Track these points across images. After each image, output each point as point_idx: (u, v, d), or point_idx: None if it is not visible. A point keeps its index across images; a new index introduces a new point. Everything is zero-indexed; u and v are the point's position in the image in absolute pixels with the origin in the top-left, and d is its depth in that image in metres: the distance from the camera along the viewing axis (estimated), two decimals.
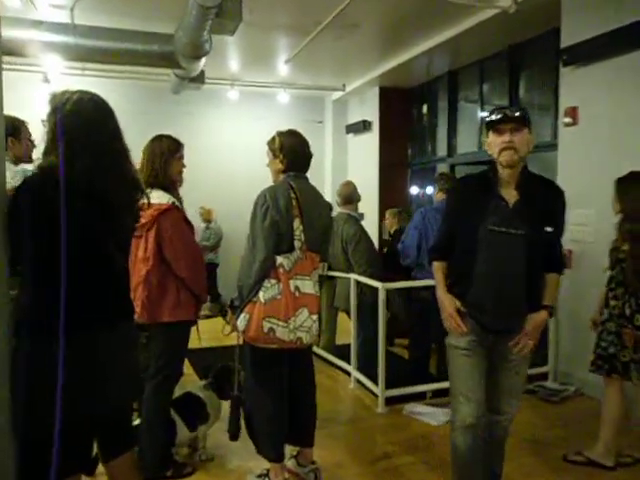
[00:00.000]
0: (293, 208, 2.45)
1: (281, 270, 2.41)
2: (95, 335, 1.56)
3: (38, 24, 4.47)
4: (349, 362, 4.23)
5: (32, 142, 2.81)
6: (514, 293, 2.09)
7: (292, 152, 2.57)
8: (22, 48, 4.52)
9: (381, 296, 3.61)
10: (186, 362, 4.98)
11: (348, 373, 4.31)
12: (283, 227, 2.43)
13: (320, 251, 2.56)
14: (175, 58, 4.68)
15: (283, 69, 6.79)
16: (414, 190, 7.77)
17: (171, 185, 2.74)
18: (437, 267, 2.27)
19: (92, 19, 4.65)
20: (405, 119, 7.65)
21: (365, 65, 6.79)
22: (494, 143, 2.08)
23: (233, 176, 7.89)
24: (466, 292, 2.13)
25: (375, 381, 3.77)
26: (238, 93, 7.54)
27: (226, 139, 8.00)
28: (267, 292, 2.40)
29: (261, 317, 2.38)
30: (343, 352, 4.45)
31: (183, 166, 2.83)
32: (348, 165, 8.61)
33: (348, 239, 4.18)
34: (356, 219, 4.35)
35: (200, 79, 5.89)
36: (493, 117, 2.08)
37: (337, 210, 4.48)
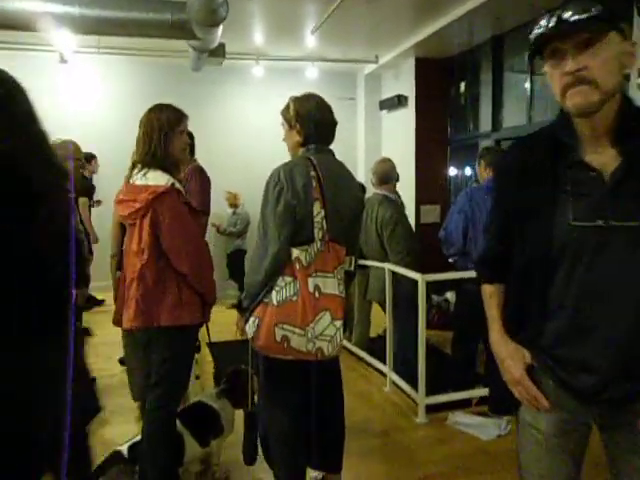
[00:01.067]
0: (313, 189, 1.99)
1: (297, 265, 1.96)
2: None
3: None
4: (384, 361, 3.79)
5: None
6: (636, 332, 1.18)
7: (311, 120, 2.10)
8: (27, 21, 4.18)
9: (421, 289, 3.13)
10: (208, 358, 4.68)
11: (383, 373, 3.87)
12: (301, 212, 1.97)
13: (347, 242, 2.09)
14: (189, 27, 4.25)
15: (311, 40, 6.28)
16: (453, 170, 7.18)
17: (172, 165, 2.33)
18: (489, 292, 1.44)
19: None
20: (443, 92, 7.04)
21: (399, 33, 6.21)
22: (553, 77, 1.20)
23: (259, 158, 7.46)
24: (542, 336, 1.28)
25: (414, 385, 3.31)
26: (263, 69, 7.07)
27: (251, 119, 7.56)
28: (280, 292, 1.96)
29: (273, 322, 1.95)
30: (378, 347, 4.00)
31: (187, 142, 2.40)
32: (382, 144, 8.06)
33: (383, 223, 3.68)
34: (393, 201, 3.85)
35: (220, 52, 5.46)
36: (541, 29, 1.17)
37: (371, 191, 4.00)
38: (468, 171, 6.91)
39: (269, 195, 2.00)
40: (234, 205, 7.37)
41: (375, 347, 4.23)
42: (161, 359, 2.29)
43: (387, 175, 3.85)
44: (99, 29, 4.33)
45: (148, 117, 2.28)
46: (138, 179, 2.24)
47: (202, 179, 3.67)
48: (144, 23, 4.22)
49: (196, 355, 4.10)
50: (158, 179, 2.20)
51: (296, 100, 2.16)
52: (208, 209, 3.70)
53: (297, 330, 1.94)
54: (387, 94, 7.70)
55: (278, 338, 1.94)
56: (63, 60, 6.23)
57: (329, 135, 2.18)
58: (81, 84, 6.75)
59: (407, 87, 7.11)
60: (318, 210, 1.99)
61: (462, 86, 6.92)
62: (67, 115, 6.45)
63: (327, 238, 2.01)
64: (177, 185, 2.25)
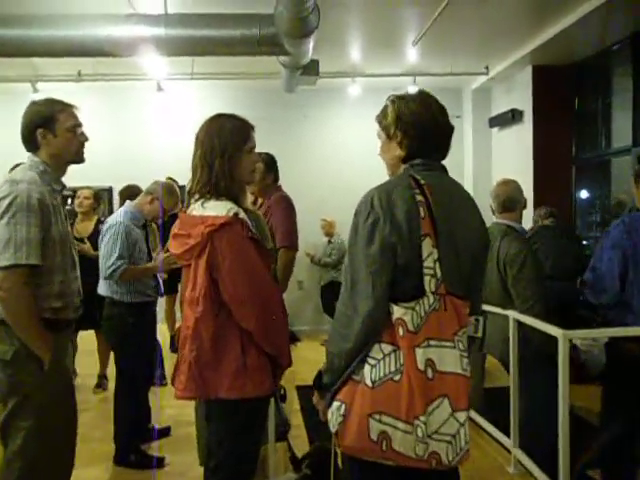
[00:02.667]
0: (422, 220, 1.39)
1: (401, 330, 1.36)
2: None
3: (129, 18, 3.95)
4: (506, 431, 3.01)
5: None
6: None
7: (417, 126, 1.51)
8: (116, 46, 4.05)
9: (563, 349, 2.37)
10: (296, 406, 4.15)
11: (506, 448, 3.09)
12: (404, 254, 1.38)
13: (469, 295, 1.46)
14: (279, 41, 3.87)
15: (412, 53, 5.73)
16: (583, 193, 6.17)
17: (240, 191, 1.85)
18: None
19: (187, 6, 4.06)
20: (566, 104, 6.10)
21: (513, 39, 5.46)
22: None
23: (356, 184, 6.92)
24: None
25: (551, 474, 2.53)
26: (360, 87, 6.61)
27: (348, 142, 7.09)
28: (377, 368, 1.37)
29: (366, 412, 1.35)
30: (497, 404, 3.24)
31: (257, 161, 1.92)
32: (492, 166, 7.23)
33: (507, 261, 2.92)
34: (519, 232, 3.10)
35: (314, 70, 5.07)
36: None
37: (491, 220, 3.29)
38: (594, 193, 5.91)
39: (359, 229, 1.42)
40: (329, 234, 6.93)
41: (494, 404, 3.46)
42: (219, 439, 1.78)
43: (512, 200, 3.10)
44: (186, 49, 4.09)
45: (207, 133, 1.82)
46: (195, 209, 1.78)
47: (287, 209, 3.20)
48: (231, 41, 3.91)
49: (282, 404, 3.58)
50: (217, 208, 1.72)
51: (397, 100, 1.59)
52: (295, 244, 3.20)
53: (401, 424, 1.32)
54: (498, 109, 6.89)
55: (374, 435, 1.34)
56: (160, 88, 6.22)
57: (442, 146, 1.58)
58: (176, 111, 6.72)
59: (522, 100, 6.27)
60: (429, 250, 1.38)
61: (590, 96, 5.96)
62: (163, 142, 6.45)
63: (443, 290, 1.39)
64: (242, 215, 1.75)
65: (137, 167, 5.84)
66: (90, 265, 3.54)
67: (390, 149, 1.58)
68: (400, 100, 1.58)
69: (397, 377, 1.35)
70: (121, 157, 6.54)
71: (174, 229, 1.84)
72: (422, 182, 1.44)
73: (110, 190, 6.53)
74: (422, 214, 1.39)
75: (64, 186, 2.09)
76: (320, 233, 6.90)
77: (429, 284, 1.37)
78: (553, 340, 2.42)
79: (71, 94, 6.38)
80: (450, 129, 1.59)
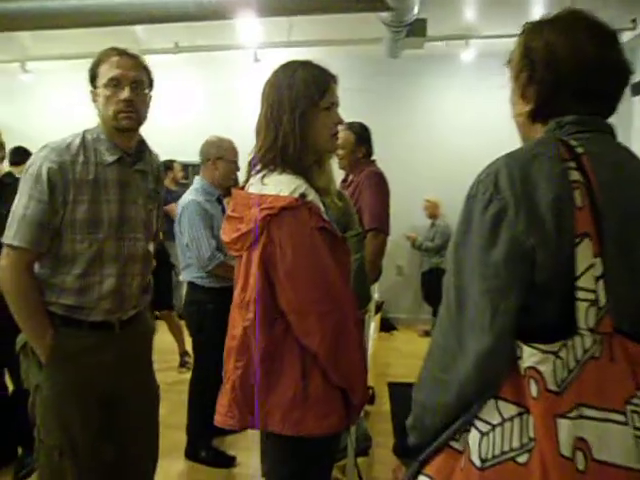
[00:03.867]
0: (578, 212, 0.86)
1: (535, 387, 0.84)
2: None
3: None
4: None
5: None
6: None
7: (562, 62, 0.97)
8: (207, 8, 3.76)
9: None
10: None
11: None
12: (547, 266, 0.85)
13: None
14: None
15: (537, 10, 4.88)
16: None
17: (314, 164, 1.42)
18: None
19: None
20: None
21: None
22: None
23: (466, 161, 6.28)
24: None
25: None
26: (474, 52, 5.84)
27: (458, 114, 6.37)
28: (491, 439, 0.88)
29: None
30: None
31: (338, 122, 1.46)
32: (632, 141, 6.15)
33: None
34: None
35: (420, 30, 4.47)
36: None
37: None
38: None
39: (474, 223, 0.92)
40: (433, 215, 6.32)
41: None
42: (274, 478, 1.40)
43: None
44: (279, 8, 3.71)
45: (274, 84, 1.40)
46: (254, 184, 1.38)
47: (378, 187, 2.75)
48: None
49: (367, 407, 3.17)
50: (280, 184, 1.30)
51: (529, 28, 1.04)
52: (385, 227, 2.75)
53: None
54: None
55: None
56: (257, 59, 5.95)
57: (610, 96, 1.02)
58: None
59: None
60: (588, 261, 0.85)
61: None
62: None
63: (608, 327, 0.85)
64: (311, 197, 1.32)
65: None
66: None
67: (518, 101, 1.06)
68: (533, 27, 1.04)
69: (523, 458, 0.85)
70: (216, 132, 6.40)
71: (228, 209, 1.46)
72: (579, 151, 0.90)
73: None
74: (579, 202, 0.86)
75: (122, 157, 1.70)
76: (423, 215, 6.32)
77: (585, 316, 0.84)
78: None
79: (170, 65, 6.37)
80: (617, 69, 1.03)
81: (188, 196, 2.90)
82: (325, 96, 1.38)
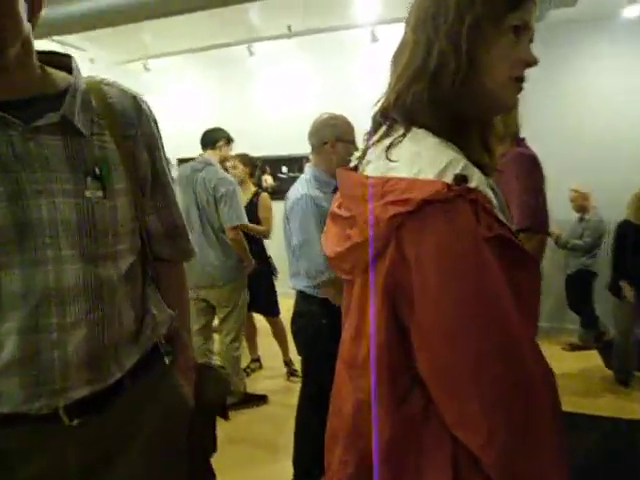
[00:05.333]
0: None
1: None
2: None
3: None
4: None
5: None
6: None
7: None
8: None
9: None
10: None
11: None
12: None
13: None
14: None
15: None
16: None
17: (484, 124, 0.86)
18: None
19: None
20: None
21: None
22: None
23: (621, 145, 5.26)
24: None
25: None
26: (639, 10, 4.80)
27: (619, 87, 5.32)
28: None
29: None
30: None
31: (530, 62, 0.87)
32: None
33: None
34: None
35: None
36: None
37: None
38: None
39: None
40: (582, 208, 5.33)
41: None
42: None
43: None
44: None
45: None
46: (372, 160, 0.85)
47: (533, 173, 2.12)
48: None
49: None
50: (420, 159, 0.76)
51: None
52: (544, 224, 2.14)
53: None
54: None
55: None
56: (375, 39, 5.43)
57: None
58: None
59: None
60: None
61: None
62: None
63: None
64: (476, 181, 0.75)
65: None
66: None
67: None
68: None
69: None
70: None
71: (334, 203, 0.95)
72: None
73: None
74: None
75: None
76: (569, 207, 5.38)
77: None
78: None
79: (283, 52, 6.06)
80: None
81: (299, 188, 2.40)
82: (517, 10, 0.81)
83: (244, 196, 3.82)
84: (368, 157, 0.85)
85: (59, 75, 1.01)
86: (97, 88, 1.03)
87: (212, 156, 3.38)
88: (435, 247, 0.70)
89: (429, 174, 0.73)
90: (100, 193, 0.99)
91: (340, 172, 0.89)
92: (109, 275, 1.01)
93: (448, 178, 0.72)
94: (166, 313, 1.17)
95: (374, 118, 0.88)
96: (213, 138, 3.40)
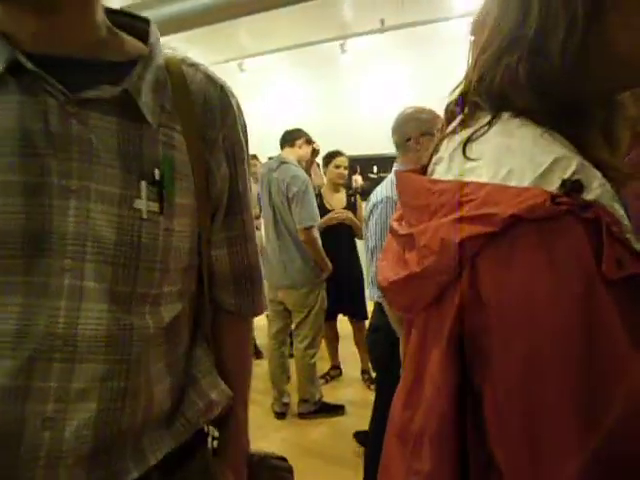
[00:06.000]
0: None
1: None
2: None
3: None
4: None
5: None
6: None
7: None
8: None
9: None
10: None
11: None
12: None
13: None
14: None
15: None
16: None
17: (598, 107, 0.60)
18: None
19: None
20: None
21: None
22: None
23: None
24: None
25: None
26: None
27: None
28: None
29: None
30: None
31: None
32: None
33: None
34: None
35: None
36: None
37: None
38: None
39: None
40: None
41: None
42: None
43: None
44: None
45: None
46: (444, 158, 0.63)
47: None
48: None
49: None
50: (511, 157, 0.52)
51: None
52: None
53: None
54: None
55: None
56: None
57: None
58: None
59: None
60: None
61: None
62: None
63: None
64: (596, 191, 0.50)
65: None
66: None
67: None
68: None
69: None
70: None
71: (393, 217, 0.74)
72: None
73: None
74: None
75: (17, 63, 0.65)
76: None
77: None
78: None
79: (376, 48, 5.84)
80: None
81: (382, 190, 2.21)
82: None
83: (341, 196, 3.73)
84: (440, 154, 0.64)
85: (130, 42, 0.76)
86: (177, 67, 0.77)
87: (289, 154, 3.27)
88: (525, 289, 0.47)
89: (524, 178, 0.50)
90: (155, 206, 0.69)
91: (400, 175, 0.67)
92: (144, 326, 0.70)
93: (553, 185, 0.49)
94: (221, 388, 0.83)
95: (447, 108, 0.66)
96: (292, 136, 3.30)
